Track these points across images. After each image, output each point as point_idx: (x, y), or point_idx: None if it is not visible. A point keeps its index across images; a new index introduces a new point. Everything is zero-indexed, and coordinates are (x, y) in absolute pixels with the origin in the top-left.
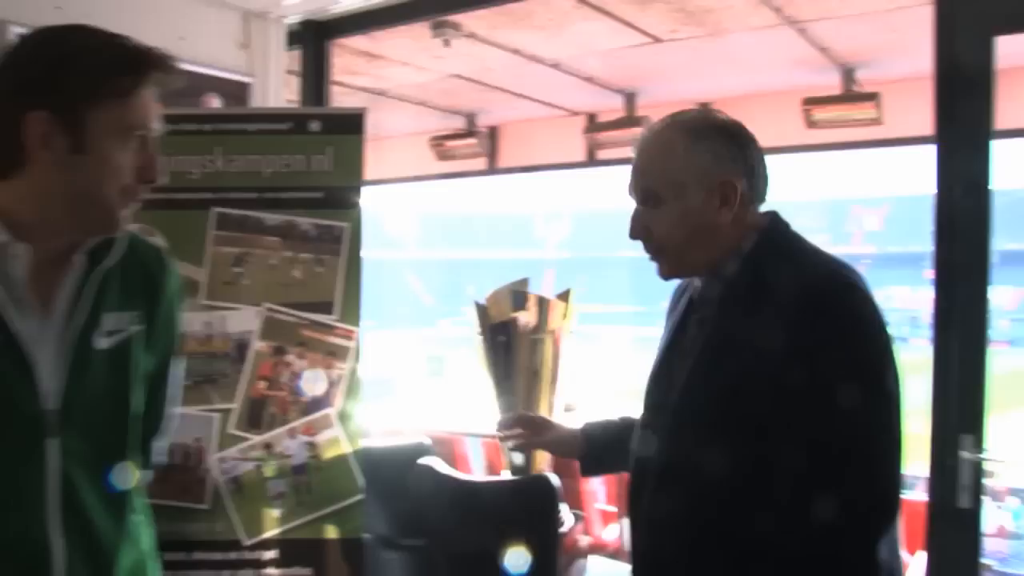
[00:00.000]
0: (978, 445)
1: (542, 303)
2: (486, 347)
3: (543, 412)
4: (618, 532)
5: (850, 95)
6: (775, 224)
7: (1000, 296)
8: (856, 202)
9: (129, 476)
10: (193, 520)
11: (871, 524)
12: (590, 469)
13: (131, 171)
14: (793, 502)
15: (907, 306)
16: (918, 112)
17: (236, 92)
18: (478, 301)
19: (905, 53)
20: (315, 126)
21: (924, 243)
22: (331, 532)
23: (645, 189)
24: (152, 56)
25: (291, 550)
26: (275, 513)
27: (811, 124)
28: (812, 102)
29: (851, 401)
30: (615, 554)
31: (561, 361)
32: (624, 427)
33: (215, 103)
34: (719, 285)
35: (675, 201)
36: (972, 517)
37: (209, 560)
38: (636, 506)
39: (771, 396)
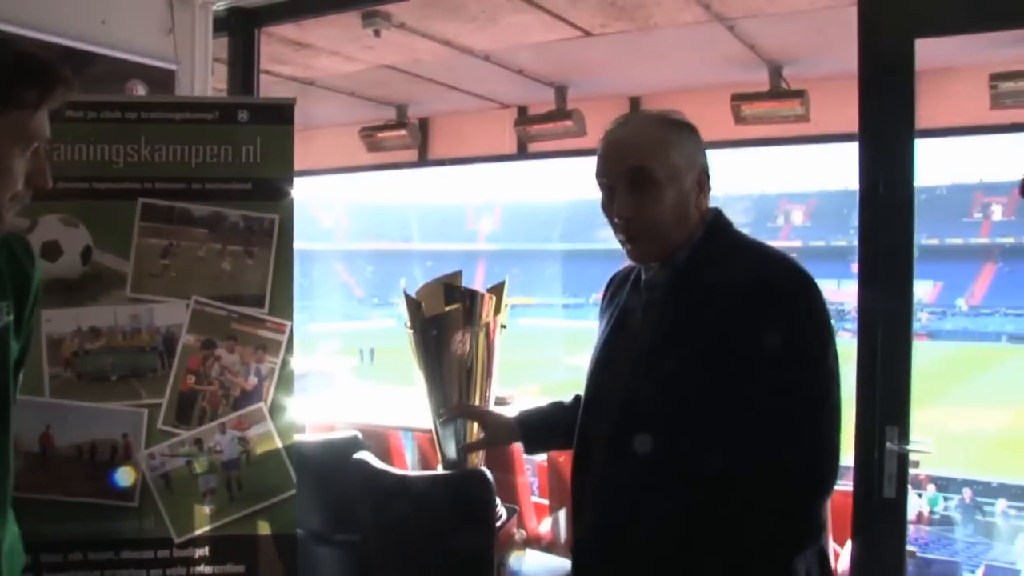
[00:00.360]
0: (904, 436)
1: (474, 296)
2: (417, 341)
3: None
4: (551, 525)
5: (777, 92)
6: (719, 218)
7: (919, 290)
8: (783, 196)
9: (11, 462)
10: (121, 518)
11: (816, 490)
12: (531, 447)
13: (23, 178)
14: (741, 471)
15: (832, 300)
16: (844, 109)
17: (161, 79)
18: (409, 294)
19: (831, 52)
20: (243, 116)
21: (849, 237)
22: (263, 528)
23: (642, 170)
24: (60, 73)
25: (223, 547)
26: (206, 510)
27: (740, 120)
28: (740, 98)
29: (798, 376)
30: (549, 547)
31: (494, 355)
32: (556, 408)
33: (139, 90)
34: (669, 272)
35: (670, 184)
36: (897, 507)
37: (138, 559)
38: (584, 481)
39: (722, 373)
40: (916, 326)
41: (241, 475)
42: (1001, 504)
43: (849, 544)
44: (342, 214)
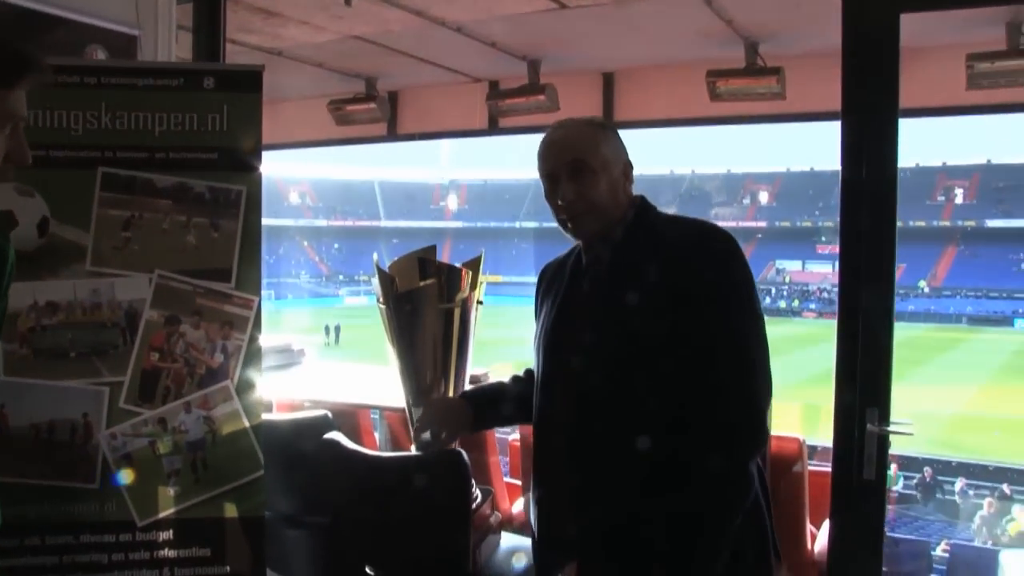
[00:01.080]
0: (884, 418)
1: (451, 272)
2: (390, 317)
3: (451, 384)
4: (524, 505)
5: (754, 69)
6: (645, 201)
7: None
8: (748, 176)
9: None
10: (81, 501)
11: (763, 404)
12: (479, 427)
13: (2, 155)
14: (695, 402)
15: (797, 280)
16: (820, 87)
17: (122, 46)
18: (382, 268)
19: (809, 28)
20: (209, 83)
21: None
22: (230, 511)
23: (579, 162)
24: (36, 56)
25: (188, 530)
26: (170, 492)
27: (715, 96)
28: (716, 74)
29: (736, 309)
30: (522, 528)
31: (471, 332)
32: (501, 385)
33: (99, 56)
34: (608, 249)
35: (603, 172)
36: (877, 489)
37: (99, 543)
38: (548, 455)
39: (667, 322)
40: None
41: (207, 456)
42: (960, 483)
43: (826, 525)
44: (308, 190)
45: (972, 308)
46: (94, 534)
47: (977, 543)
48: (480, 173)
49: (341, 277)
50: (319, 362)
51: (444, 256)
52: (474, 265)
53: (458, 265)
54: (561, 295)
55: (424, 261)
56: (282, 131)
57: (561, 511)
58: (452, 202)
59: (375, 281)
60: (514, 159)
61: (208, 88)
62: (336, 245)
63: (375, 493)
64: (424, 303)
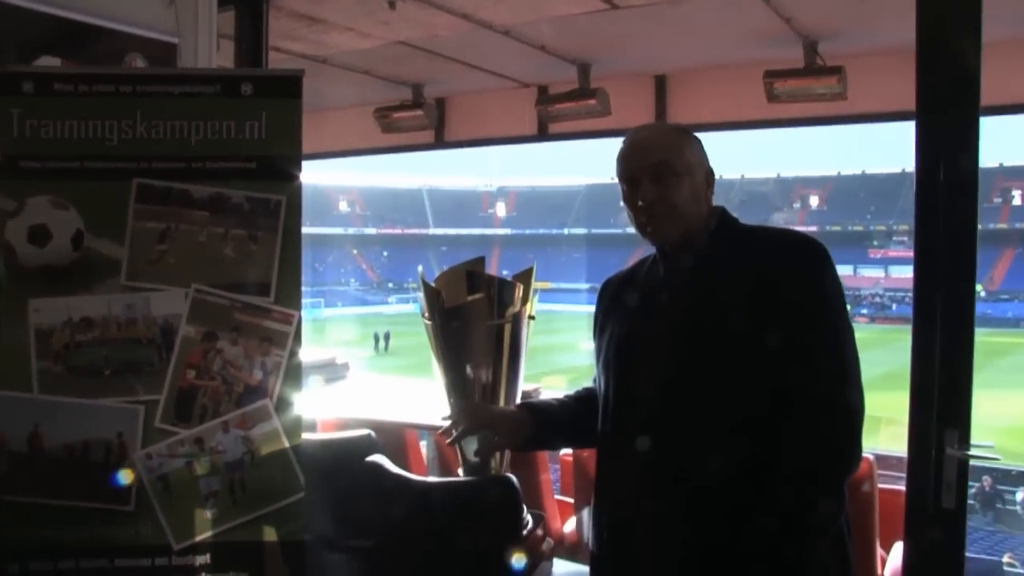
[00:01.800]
0: (964, 440)
1: (501, 285)
2: (437, 333)
3: (500, 402)
4: (576, 525)
5: (813, 68)
6: (726, 213)
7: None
8: (798, 180)
9: None
10: (116, 524)
11: (860, 419)
12: (537, 443)
13: None
14: (783, 430)
15: (849, 285)
16: (883, 87)
17: (161, 55)
18: (428, 282)
19: (870, 25)
20: (247, 89)
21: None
22: (269, 534)
23: (663, 164)
24: None
25: (226, 554)
26: (207, 514)
27: (772, 98)
28: (774, 75)
29: (831, 331)
30: (574, 548)
31: (522, 349)
32: (561, 404)
33: (138, 65)
34: (690, 258)
35: (687, 176)
36: (957, 518)
37: (135, 567)
38: (620, 472)
39: (760, 334)
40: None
41: (245, 477)
42: (1022, 493)
43: (896, 549)
44: (357, 198)
45: None
46: (130, 558)
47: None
48: (528, 180)
49: (390, 284)
50: (365, 375)
51: (492, 263)
52: (525, 278)
53: (508, 278)
54: (635, 308)
55: (472, 274)
56: (328, 140)
57: (638, 535)
58: (500, 209)
59: (420, 295)
60: (562, 165)
61: (246, 94)
62: (385, 253)
63: (420, 519)
64: (472, 318)
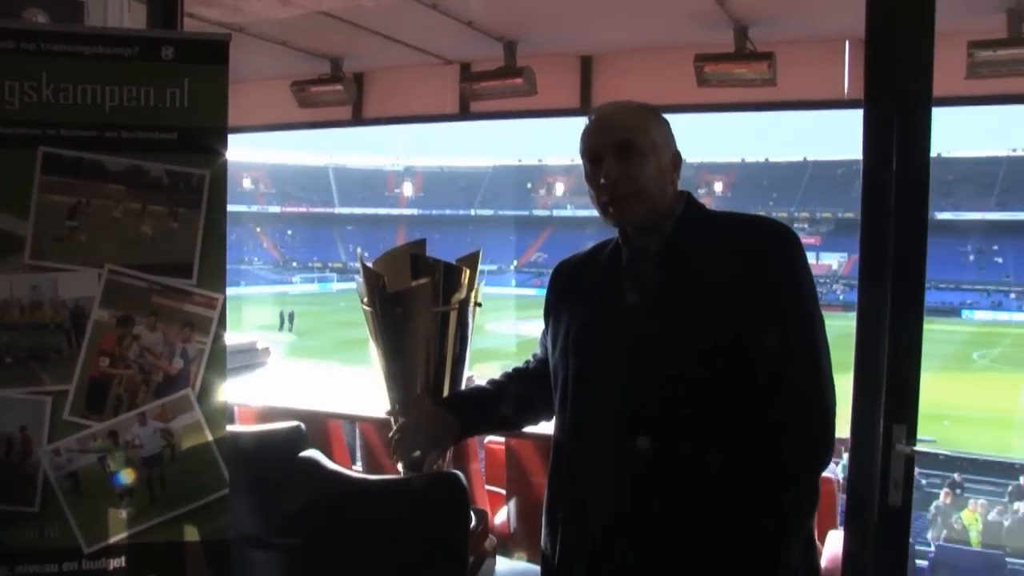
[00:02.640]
0: (911, 435)
1: (447, 269)
2: (376, 320)
3: (444, 394)
4: (506, 516)
5: (744, 54)
6: (692, 197)
7: (834, 261)
8: (703, 166)
9: None
10: (18, 525)
11: (832, 418)
12: (467, 431)
13: None
14: (755, 423)
15: None
16: (813, 74)
17: (65, 12)
18: (368, 265)
19: (803, 12)
20: (168, 53)
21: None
22: (191, 533)
23: (628, 143)
24: None
25: (142, 556)
26: (122, 514)
27: (703, 82)
28: (704, 59)
29: (803, 320)
30: (507, 540)
31: (468, 336)
32: (483, 392)
33: (39, 21)
34: (656, 242)
35: (653, 156)
36: (903, 516)
37: (40, 573)
38: (586, 466)
39: (730, 321)
40: (832, 298)
41: (164, 473)
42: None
43: (833, 539)
44: (262, 176)
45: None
46: (33, 563)
47: (931, 534)
48: (436, 160)
49: (295, 264)
50: (283, 361)
51: (399, 242)
52: (472, 262)
53: (454, 262)
54: (597, 295)
55: (416, 257)
56: (241, 113)
57: (601, 533)
58: (408, 189)
59: (359, 279)
60: (472, 145)
61: (167, 59)
62: (289, 232)
63: (358, 518)
64: (416, 305)
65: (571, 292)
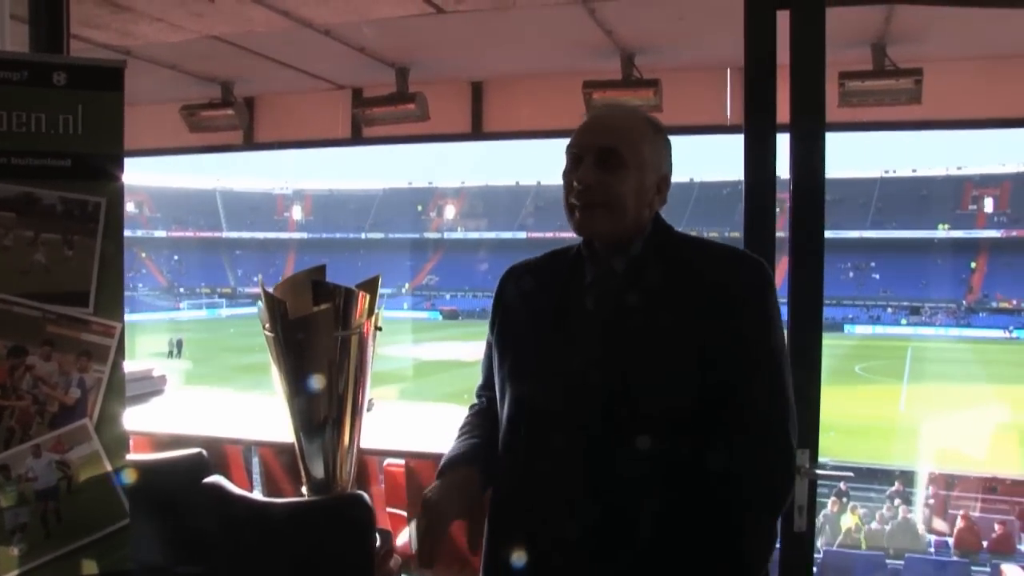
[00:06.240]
0: (814, 459)
1: (347, 295)
2: (279, 346)
3: (346, 418)
4: (408, 536)
5: (631, 81)
6: (660, 218)
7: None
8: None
9: None
10: None
11: (790, 475)
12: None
13: None
14: (718, 452)
15: None
16: (697, 101)
17: None
18: (269, 291)
19: (686, 43)
20: (60, 79)
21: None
22: (89, 568)
23: (612, 150)
24: None
25: None
26: (14, 551)
27: (590, 108)
28: (592, 86)
29: (771, 354)
30: (409, 561)
31: (368, 361)
32: (475, 434)
33: None
34: (623, 261)
35: (636, 171)
36: (807, 543)
37: None
38: (544, 490)
39: (695, 349)
40: None
41: (60, 506)
42: None
43: None
44: (146, 199)
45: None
46: None
47: (820, 541)
48: (325, 183)
49: (182, 289)
50: (176, 389)
51: (288, 268)
52: (371, 287)
53: (354, 288)
54: (552, 311)
55: (317, 283)
56: (131, 137)
57: (562, 557)
58: (296, 213)
59: (260, 305)
60: (363, 169)
61: (59, 84)
62: (176, 257)
63: (263, 543)
64: (318, 330)
65: (520, 304)
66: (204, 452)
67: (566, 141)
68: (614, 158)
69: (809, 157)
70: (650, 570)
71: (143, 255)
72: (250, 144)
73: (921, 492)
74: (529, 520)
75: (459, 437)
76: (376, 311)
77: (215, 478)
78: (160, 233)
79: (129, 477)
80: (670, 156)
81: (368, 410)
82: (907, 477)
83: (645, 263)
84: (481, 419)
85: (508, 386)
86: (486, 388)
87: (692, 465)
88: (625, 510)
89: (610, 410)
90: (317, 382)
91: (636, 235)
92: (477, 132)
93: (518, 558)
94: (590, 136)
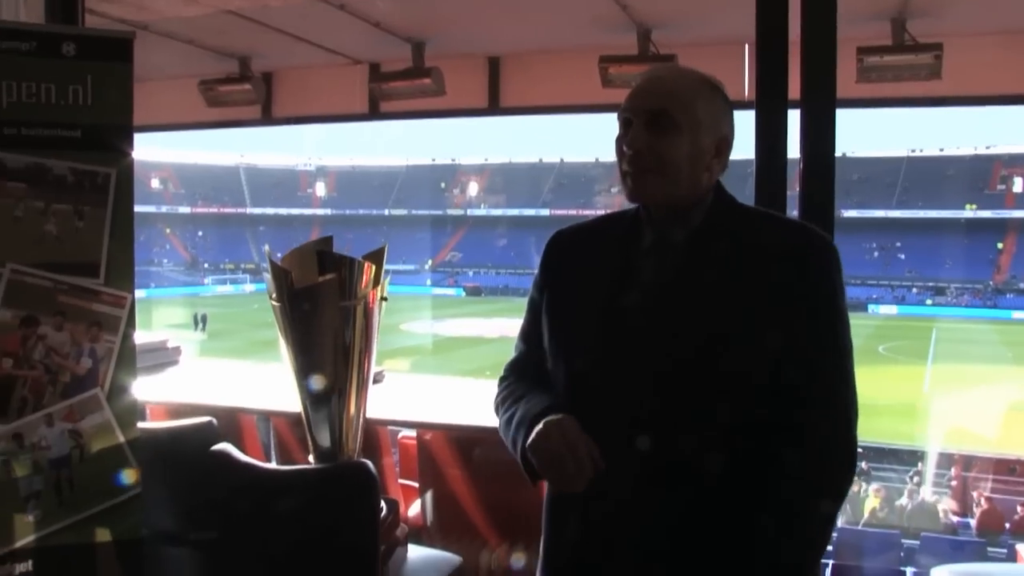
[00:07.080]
0: None
1: (352, 265)
2: (285, 315)
3: (352, 388)
4: (420, 508)
5: (647, 55)
6: (722, 189)
7: None
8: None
9: None
10: None
11: (852, 462)
12: None
13: None
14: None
15: None
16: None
17: None
18: (276, 262)
19: (703, 17)
20: (69, 49)
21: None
22: (102, 535)
23: (663, 111)
24: None
25: (50, 560)
26: (28, 518)
27: (607, 83)
28: (609, 60)
29: (838, 337)
30: (421, 532)
31: (374, 330)
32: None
33: None
34: (683, 233)
35: (689, 133)
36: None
37: None
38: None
39: (762, 328)
40: None
41: (73, 474)
42: None
43: None
44: (171, 175)
45: None
46: None
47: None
48: (348, 160)
49: (206, 265)
50: (196, 360)
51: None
52: (377, 258)
53: (360, 258)
54: (610, 279)
55: (322, 254)
56: (147, 112)
57: (623, 535)
58: (320, 189)
59: (267, 276)
60: (385, 145)
61: (68, 55)
62: (200, 232)
63: (271, 509)
64: (323, 300)
65: (571, 269)
66: (214, 420)
67: (585, 116)
68: (665, 120)
69: (821, 134)
70: (718, 541)
71: (168, 231)
72: (268, 119)
73: (943, 472)
74: (587, 506)
75: (521, 398)
76: (381, 281)
77: (222, 445)
78: (184, 209)
79: (140, 445)
80: (730, 116)
81: (376, 382)
82: (929, 457)
83: (707, 236)
84: (530, 384)
85: (562, 358)
86: (527, 358)
87: (757, 452)
88: (685, 490)
89: (670, 389)
90: (322, 352)
91: (695, 203)
92: (494, 107)
93: (576, 534)
94: (640, 98)
